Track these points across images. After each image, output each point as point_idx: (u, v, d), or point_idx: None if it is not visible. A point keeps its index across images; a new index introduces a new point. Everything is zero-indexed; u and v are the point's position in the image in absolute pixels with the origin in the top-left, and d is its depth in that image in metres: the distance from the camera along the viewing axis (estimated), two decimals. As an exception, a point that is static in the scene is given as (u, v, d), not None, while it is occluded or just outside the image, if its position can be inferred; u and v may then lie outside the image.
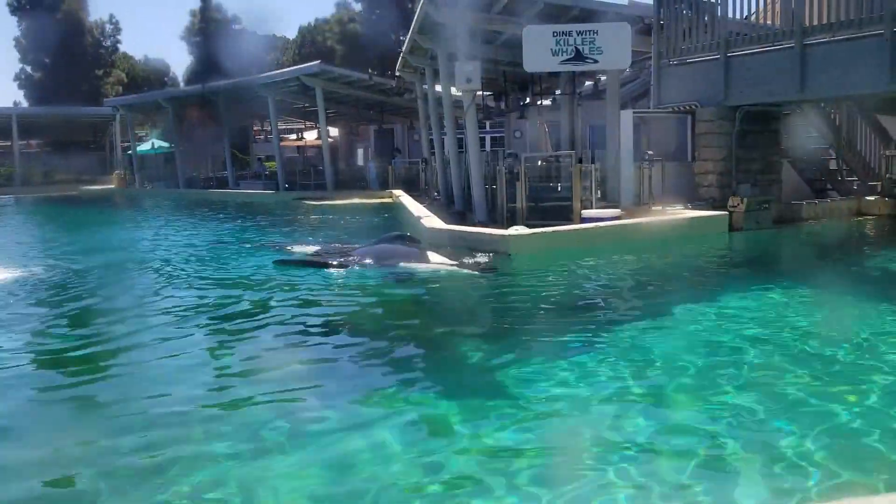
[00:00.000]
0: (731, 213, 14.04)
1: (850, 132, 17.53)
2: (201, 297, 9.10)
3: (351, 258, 10.75)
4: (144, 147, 45.02)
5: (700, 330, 6.92)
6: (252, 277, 10.22)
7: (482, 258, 10.93)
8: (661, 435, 4.35)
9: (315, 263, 10.66)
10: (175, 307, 8.39)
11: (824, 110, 16.64)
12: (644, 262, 11.39)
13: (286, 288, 9.32)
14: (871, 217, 16.11)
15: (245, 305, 8.38)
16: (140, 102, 40.63)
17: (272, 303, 8.46)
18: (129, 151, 43.00)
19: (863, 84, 12.97)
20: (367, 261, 10.52)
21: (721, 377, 5.39)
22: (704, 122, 15.16)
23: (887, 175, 16.87)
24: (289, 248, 12.79)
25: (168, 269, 11.59)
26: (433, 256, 10.48)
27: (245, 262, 11.77)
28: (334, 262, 10.46)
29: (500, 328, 7.30)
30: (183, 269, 11.53)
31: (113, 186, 41.94)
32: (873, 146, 17.80)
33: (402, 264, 10.21)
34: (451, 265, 10.14)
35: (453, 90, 18.88)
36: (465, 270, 10.01)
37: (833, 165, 18.04)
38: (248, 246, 14.03)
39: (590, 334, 6.78)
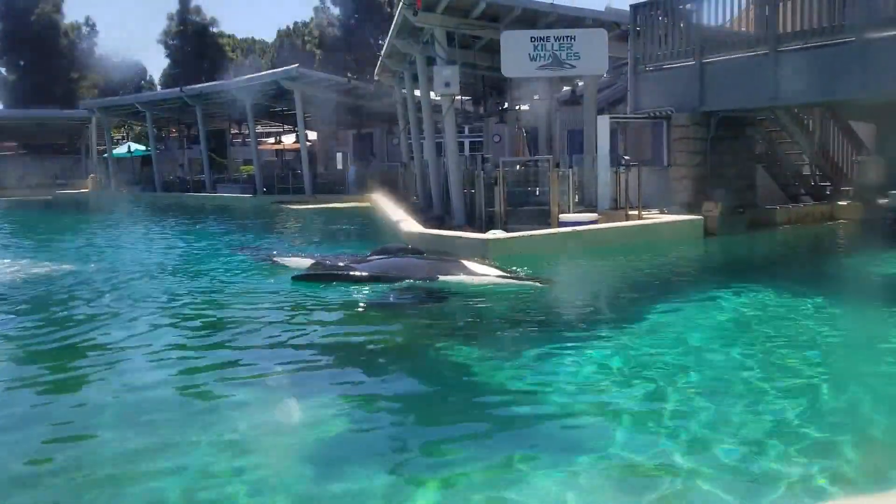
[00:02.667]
0: (706, 217, 14.20)
1: (822, 138, 17.79)
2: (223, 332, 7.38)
3: (374, 272, 9.39)
4: (120, 150, 44.67)
5: (683, 331, 7.03)
6: (278, 299, 8.74)
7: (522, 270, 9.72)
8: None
9: (339, 277, 9.40)
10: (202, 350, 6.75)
11: (798, 116, 16.88)
12: (621, 266, 11.49)
13: (331, 310, 8.15)
14: (843, 221, 16.36)
15: (309, 337, 6.97)
16: (116, 105, 40.31)
17: (323, 332, 7.28)
18: (105, 155, 42.64)
19: (834, 91, 13.19)
20: (398, 275, 9.26)
21: (697, 377, 5.48)
22: (680, 127, 15.32)
23: (859, 180, 17.13)
24: (283, 258, 11.31)
25: (162, 286, 9.93)
26: (478, 267, 9.30)
27: (260, 279, 10.17)
28: (360, 275, 9.29)
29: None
30: (179, 287, 9.83)
31: (88, 190, 41.54)
32: (845, 152, 18.08)
33: (444, 278, 9.04)
34: (503, 277, 9.05)
35: (432, 94, 18.95)
36: (521, 282, 9.02)
37: (806, 171, 18.31)
38: (244, 256, 12.59)
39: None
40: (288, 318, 7.76)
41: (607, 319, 7.82)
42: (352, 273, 9.45)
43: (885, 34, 11.94)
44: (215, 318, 7.97)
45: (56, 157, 48.19)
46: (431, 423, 4.84)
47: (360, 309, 8.42)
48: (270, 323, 7.46)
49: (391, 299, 8.59)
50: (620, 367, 5.77)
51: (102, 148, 43.58)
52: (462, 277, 9.01)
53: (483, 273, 9.09)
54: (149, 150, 40.49)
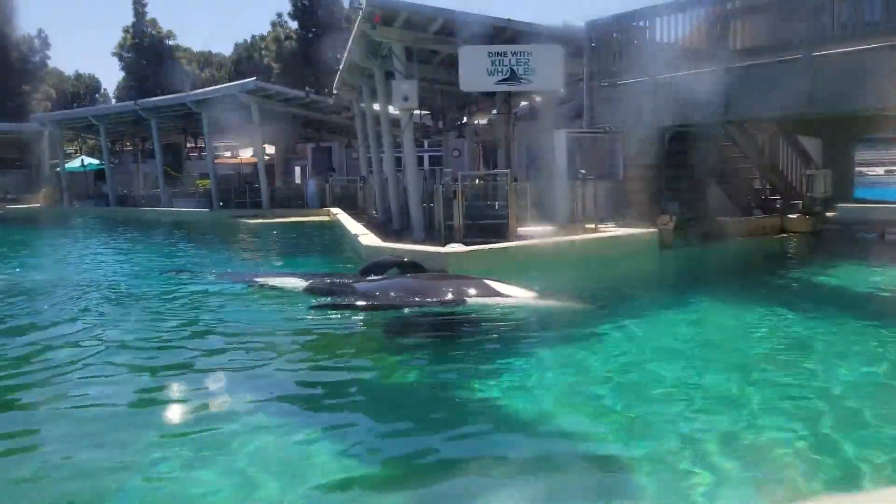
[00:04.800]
0: (660, 230, 14.44)
1: (772, 153, 18.23)
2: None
3: (396, 299, 8.55)
4: (74, 164, 43.85)
5: (645, 338, 7.14)
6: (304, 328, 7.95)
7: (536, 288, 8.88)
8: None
9: (362, 307, 8.54)
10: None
11: (748, 131, 17.28)
12: (578, 277, 11.62)
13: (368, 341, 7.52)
14: (793, 234, 16.76)
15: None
16: (69, 119, 39.61)
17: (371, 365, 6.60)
18: (58, 169, 41.83)
19: (783, 106, 13.53)
20: (414, 298, 8.50)
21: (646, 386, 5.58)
22: (634, 142, 15.58)
23: (808, 194, 17.58)
24: (267, 278, 10.52)
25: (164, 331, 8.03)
26: (503, 287, 8.51)
27: (272, 308, 9.07)
28: (384, 304, 8.50)
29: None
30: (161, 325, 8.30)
31: (40, 205, 40.68)
32: (795, 166, 18.55)
33: (471, 301, 8.28)
34: (535, 298, 8.39)
35: (391, 108, 19.02)
36: (556, 303, 8.37)
37: (757, 185, 18.73)
38: (213, 276, 11.60)
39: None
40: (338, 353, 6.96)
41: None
42: (376, 303, 8.57)
43: (831, 51, 12.31)
44: (267, 368, 6.51)
45: (6, 172, 47.08)
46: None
47: (396, 341, 7.66)
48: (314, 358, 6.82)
49: (420, 328, 7.96)
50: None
51: (55, 162, 42.76)
52: (491, 300, 8.30)
53: (512, 294, 8.38)
54: (102, 164, 39.82)
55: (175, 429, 4.97)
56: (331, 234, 19.49)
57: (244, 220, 26.87)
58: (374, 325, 8.18)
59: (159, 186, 35.48)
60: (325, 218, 24.86)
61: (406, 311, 8.37)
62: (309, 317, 8.38)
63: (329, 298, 8.88)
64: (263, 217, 27.37)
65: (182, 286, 10.84)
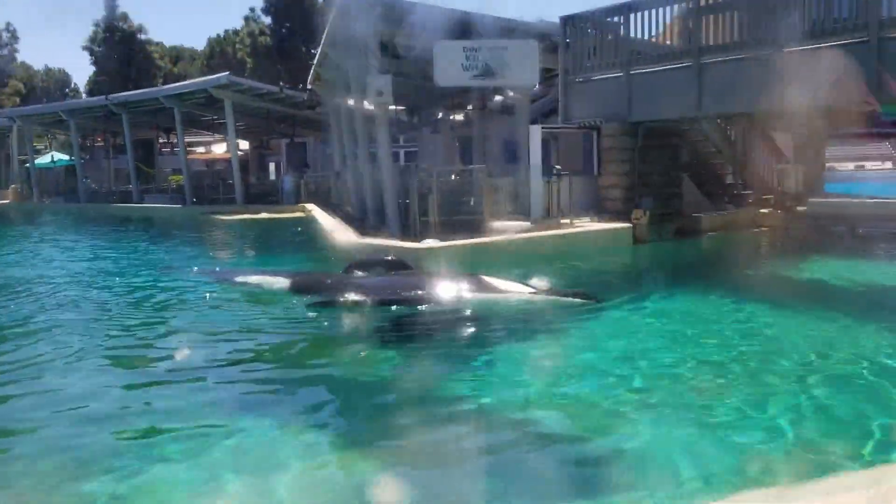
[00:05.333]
0: (634, 225, 14.53)
1: (745, 147, 18.42)
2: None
3: (393, 295, 8.39)
4: (43, 160, 43.20)
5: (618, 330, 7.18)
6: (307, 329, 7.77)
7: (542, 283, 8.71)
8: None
9: (360, 302, 8.32)
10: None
11: (721, 127, 17.44)
12: (554, 272, 11.65)
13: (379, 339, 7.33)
14: (765, 228, 16.94)
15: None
16: (39, 114, 38.99)
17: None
18: (27, 164, 41.17)
19: (754, 102, 13.67)
20: (411, 294, 8.36)
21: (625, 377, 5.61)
22: (609, 137, 15.67)
23: (780, 189, 17.78)
24: (248, 276, 10.19)
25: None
26: (501, 283, 8.35)
27: (266, 307, 8.76)
28: (382, 299, 8.31)
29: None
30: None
31: (9, 201, 40.03)
32: (766, 161, 18.75)
33: (471, 296, 8.12)
34: (537, 293, 8.23)
35: (366, 103, 18.92)
36: (561, 298, 8.19)
37: (730, 179, 18.92)
38: (194, 273, 11.26)
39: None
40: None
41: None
42: (373, 299, 8.31)
43: (801, 48, 12.45)
44: (254, 366, 6.46)
45: (-26, 168, 46.35)
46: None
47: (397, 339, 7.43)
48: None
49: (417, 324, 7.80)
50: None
51: (24, 158, 42.10)
52: (487, 295, 8.13)
53: (509, 289, 8.21)
54: (73, 160, 39.28)
55: (156, 429, 4.87)
56: (306, 231, 19.37)
57: (218, 216, 26.61)
58: (369, 323, 8.02)
59: (131, 182, 35.06)
60: (300, 214, 24.70)
61: (401, 307, 8.24)
62: (307, 315, 8.19)
63: (321, 296, 8.59)
64: (237, 213, 27.12)
65: (162, 284, 10.65)
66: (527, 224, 14.16)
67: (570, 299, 8.13)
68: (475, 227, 14.30)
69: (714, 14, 14.31)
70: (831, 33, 12.27)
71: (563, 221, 14.64)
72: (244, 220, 25.15)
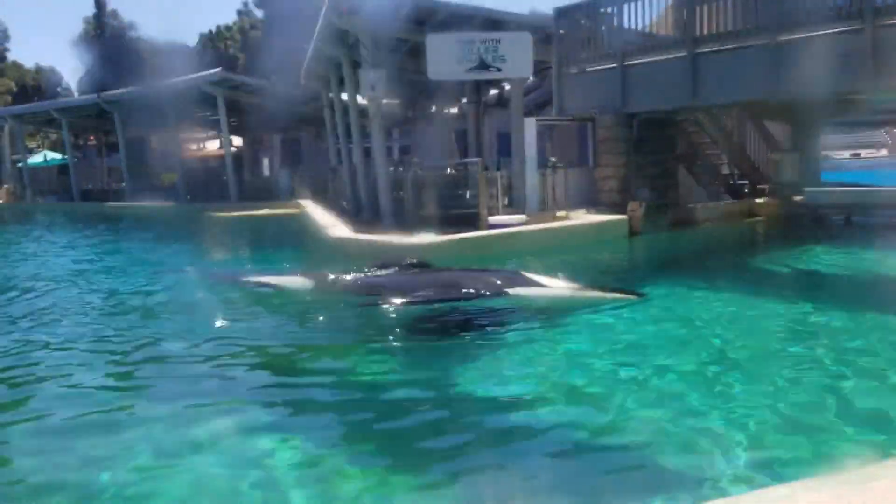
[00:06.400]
0: (630, 217, 14.49)
1: (740, 137, 18.38)
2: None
3: (438, 293, 7.96)
4: (36, 159, 43.02)
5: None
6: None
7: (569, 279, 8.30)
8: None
9: (408, 303, 7.83)
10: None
11: (716, 117, 17.40)
12: (550, 265, 11.59)
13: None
14: (761, 218, 16.92)
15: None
16: (30, 113, 38.78)
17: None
18: (20, 164, 40.97)
19: (749, 91, 13.63)
20: (454, 292, 7.92)
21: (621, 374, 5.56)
22: (604, 129, 15.60)
23: (776, 178, 17.75)
24: (267, 277, 9.59)
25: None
26: (544, 279, 8.04)
27: (316, 307, 8.32)
28: (429, 297, 7.89)
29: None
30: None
31: (2, 201, 39.87)
32: (762, 151, 18.72)
33: (514, 292, 7.81)
34: (582, 290, 7.96)
35: (359, 98, 18.82)
36: (607, 295, 7.93)
37: (725, 170, 18.88)
38: (212, 280, 10.45)
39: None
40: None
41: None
42: (418, 298, 7.86)
43: (796, 36, 12.39)
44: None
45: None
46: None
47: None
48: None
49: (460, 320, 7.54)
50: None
51: (17, 157, 41.90)
52: (531, 291, 7.84)
53: (552, 286, 7.95)
54: (65, 159, 39.10)
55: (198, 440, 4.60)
56: (302, 226, 19.27)
57: (212, 213, 26.51)
58: (415, 322, 7.63)
59: (124, 180, 34.90)
60: (295, 210, 24.61)
61: (443, 304, 7.86)
62: (347, 316, 7.89)
63: (360, 297, 8.21)
64: (232, 210, 27.04)
65: (173, 287, 10.13)
66: (523, 217, 14.10)
67: (613, 295, 7.90)
68: (471, 221, 14.25)
69: (708, 3, 14.22)
70: (827, 21, 12.20)
71: (559, 214, 14.58)
72: (239, 217, 25.07)
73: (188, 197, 31.24)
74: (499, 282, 8.00)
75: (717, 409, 4.74)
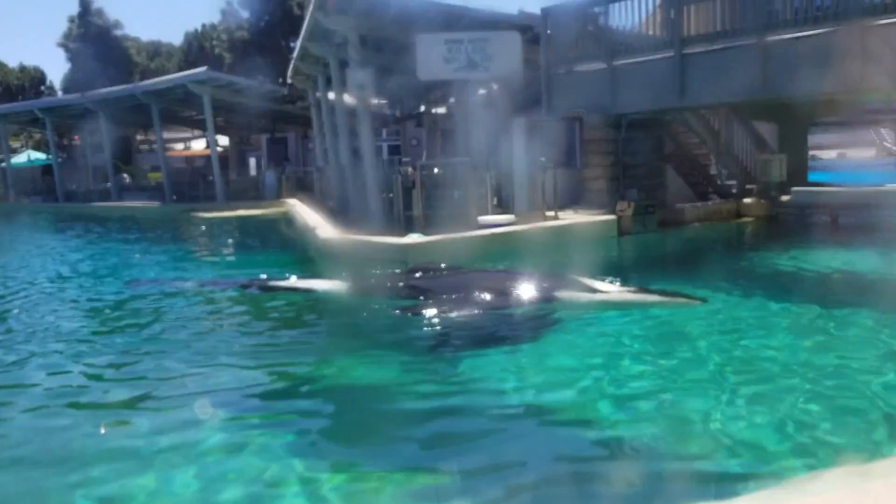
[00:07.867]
0: (619, 217, 14.49)
1: (728, 138, 18.41)
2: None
3: (487, 299, 7.72)
4: (19, 159, 42.63)
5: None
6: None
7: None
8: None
9: (458, 307, 7.63)
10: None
11: (704, 117, 17.42)
12: (540, 265, 11.56)
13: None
14: (749, 218, 16.95)
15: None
16: (14, 112, 38.41)
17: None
18: (3, 164, 40.58)
19: (737, 91, 13.63)
20: (503, 296, 7.67)
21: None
22: (591, 129, 15.59)
23: (763, 178, 17.79)
24: (285, 281, 9.24)
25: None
26: (597, 283, 7.79)
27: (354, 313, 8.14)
28: (478, 301, 7.68)
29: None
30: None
31: (-16, 202, 39.51)
32: (750, 151, 18.76)
33: (564, 296, 7.54)
34: (635, 293, 7.72)
35: (347, 97, 18.75)
36: (665, 299, 7.53)
37: (713, 170, 18.92)
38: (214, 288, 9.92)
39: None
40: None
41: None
42: (461, 301, 7.68)
43: (783, 37, 12.42)
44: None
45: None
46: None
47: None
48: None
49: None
50: None
51: (0, 157, 41.52)
52: (584, 296, 7.55)
53: (606, 290, 7.68)
54: (50, 159, 38.76)
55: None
56: (289, 227, 19.17)
57: (199, 213, 26.30)
58: (467, 327, 7.33)
59: (109, 181, 34.64)
60: (283, 210, 24.49)
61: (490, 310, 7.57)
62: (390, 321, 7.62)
63: (407, 301, 7.95)
64: (218, 210, 26.84)
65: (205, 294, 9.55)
66: (512, 217, 14.07)
67: (673, 299, 7.48)
68: (460, 221, 14.20)
69: (696, 3, 14.24)
70: (813, 21, 12.23)
71: (548, 214, 14.56)
72: (226, 217, 24.88)
73: (174, 197, 31.04)
74: (554, 286, 7.78)
75: (719, 410, 4.71)
